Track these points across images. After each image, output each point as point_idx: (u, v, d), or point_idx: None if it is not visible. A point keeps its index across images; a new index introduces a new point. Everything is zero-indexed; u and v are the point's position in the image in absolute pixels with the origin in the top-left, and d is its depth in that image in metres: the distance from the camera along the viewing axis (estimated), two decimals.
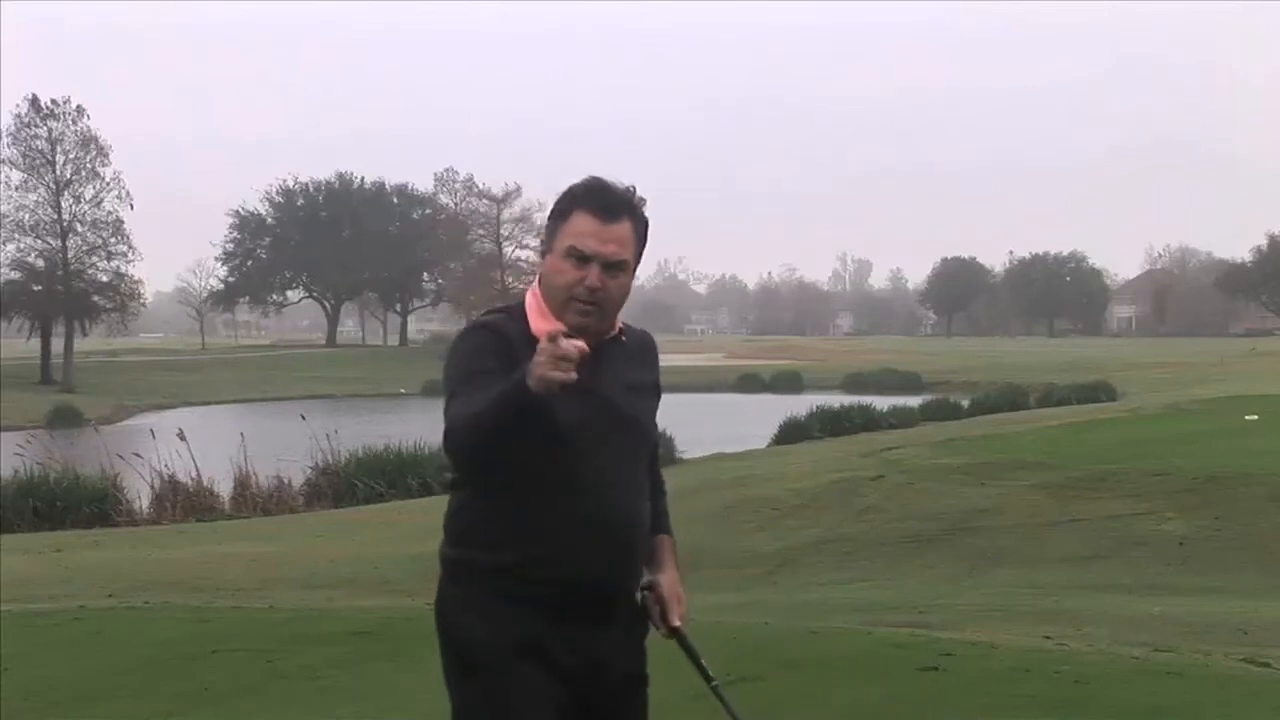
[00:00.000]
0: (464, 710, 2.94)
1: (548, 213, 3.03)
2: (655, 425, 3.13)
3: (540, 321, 2.91)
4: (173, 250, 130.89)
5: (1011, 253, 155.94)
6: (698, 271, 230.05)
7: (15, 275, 70.25)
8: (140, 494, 21.10)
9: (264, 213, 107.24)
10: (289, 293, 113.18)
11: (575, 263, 2.89)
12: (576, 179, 2.98)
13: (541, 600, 2.87)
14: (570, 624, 2.89)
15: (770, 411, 37.90)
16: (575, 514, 2.88)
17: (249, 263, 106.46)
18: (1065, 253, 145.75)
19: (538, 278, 3.01)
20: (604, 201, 2.92)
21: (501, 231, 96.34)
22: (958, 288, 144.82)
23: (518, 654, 2.86)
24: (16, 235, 70.73)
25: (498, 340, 2.90)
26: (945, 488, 16.63)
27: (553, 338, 2.59)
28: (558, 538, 2.88)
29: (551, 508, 2.88)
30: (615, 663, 2.98)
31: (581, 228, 2.89)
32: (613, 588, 2.95)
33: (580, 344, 2.61)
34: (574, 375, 2.59)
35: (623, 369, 3.02)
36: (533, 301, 2.98)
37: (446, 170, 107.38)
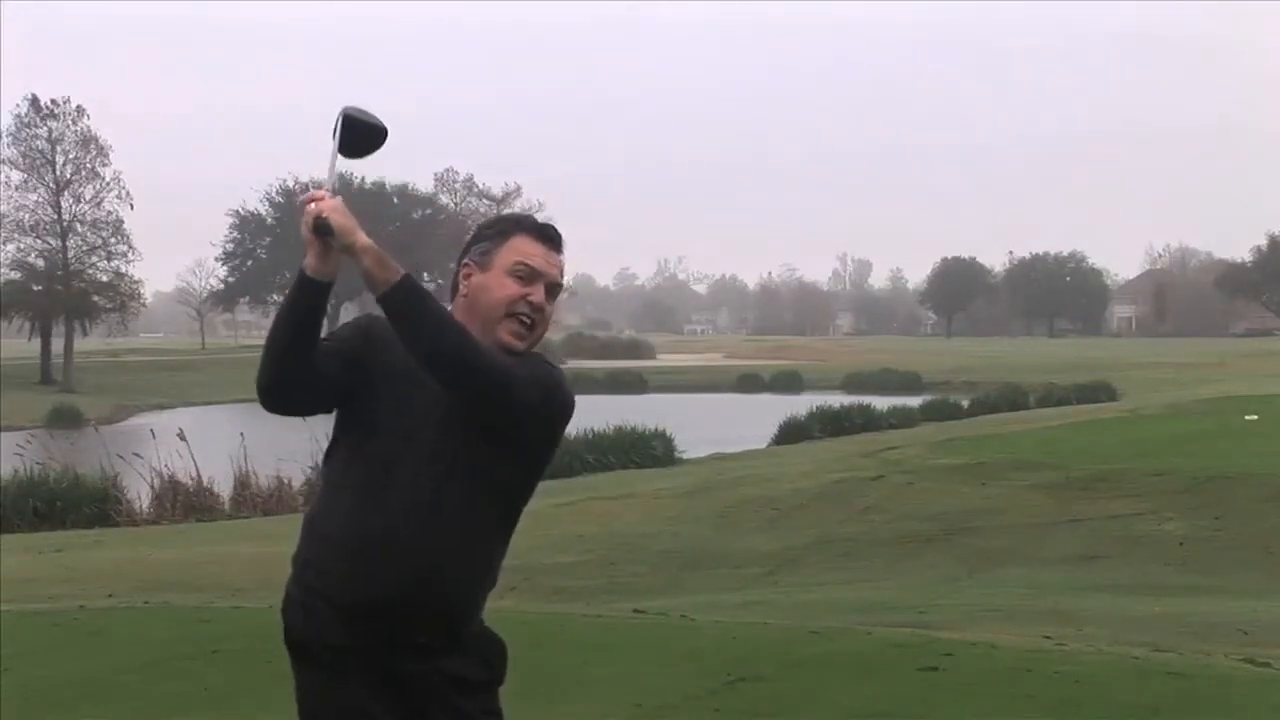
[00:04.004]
0: None
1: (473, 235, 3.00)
2: (513, 479, 2.90)
3: None
4: (173, 250, 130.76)
5: (1011, 253, 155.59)
6: (698, 271, 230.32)
7: (15, 275, 70.06)
8: (140, 494, 21.07)
9: (264, 213, 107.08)
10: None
11: (519, 280, 2.90)
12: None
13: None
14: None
15: (770, 411, 37.91)
16: (349, 522, 2.87)
17: (249, 263, 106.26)
18: (1065, 253, 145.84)
19: (455, 297, 2.95)
20: (546, 230, 2.99)
21: None
22: (958, 288, 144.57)
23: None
24: (16, 235, 70.52)
25: (369, 327, 2.90)
26: (945, 488, 16.65)
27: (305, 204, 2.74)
28: (326, 545, 2.94)
29: (333, 507, 2.90)
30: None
31: (529, 248, 2.93)
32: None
33: (314, 193, 2.74)
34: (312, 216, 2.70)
35: None
36: None
37: (446, 170, 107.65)
